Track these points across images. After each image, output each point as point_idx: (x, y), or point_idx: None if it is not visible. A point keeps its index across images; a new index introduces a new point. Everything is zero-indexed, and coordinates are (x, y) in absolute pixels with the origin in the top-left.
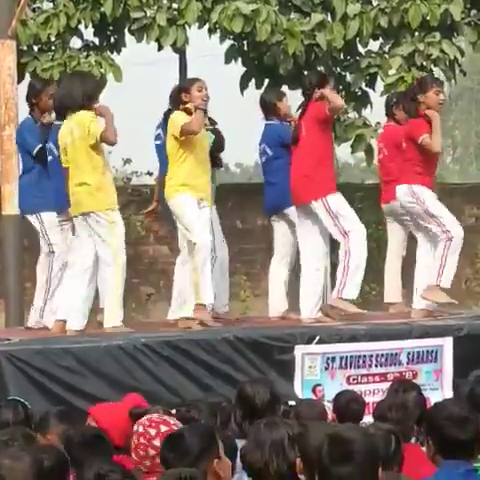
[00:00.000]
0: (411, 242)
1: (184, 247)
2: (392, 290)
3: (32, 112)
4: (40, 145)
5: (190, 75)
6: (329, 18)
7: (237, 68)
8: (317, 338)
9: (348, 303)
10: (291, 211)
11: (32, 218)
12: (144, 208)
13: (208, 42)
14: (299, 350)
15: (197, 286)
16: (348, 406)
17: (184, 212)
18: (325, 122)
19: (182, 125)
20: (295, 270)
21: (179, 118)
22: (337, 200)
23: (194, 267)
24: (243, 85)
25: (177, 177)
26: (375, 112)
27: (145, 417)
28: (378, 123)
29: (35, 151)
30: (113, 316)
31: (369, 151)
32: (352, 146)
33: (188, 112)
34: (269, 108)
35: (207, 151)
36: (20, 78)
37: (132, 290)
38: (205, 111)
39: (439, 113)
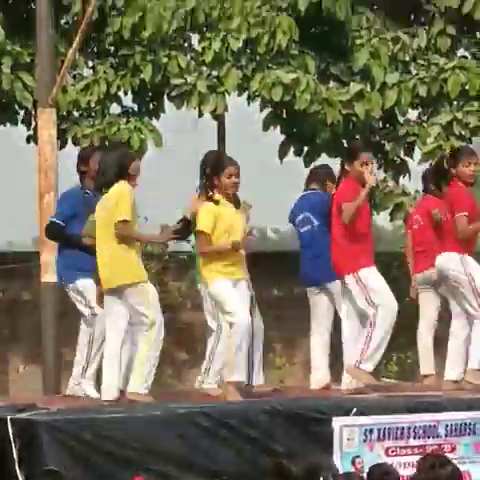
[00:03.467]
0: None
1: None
2: (426, 361)
3: (82, 181)
4: (53, 219)
5: (228, 140)
6: (368, 87)
7: (275, 134)
8: (354, 410)
9: (366, 374)
10: (334, 284)
11: (68, 289)
12: (182, 274)
13: (247, 107)
14: (337, 422)
15: (231, 365)
16: (382, 479)
17: (221, 297)
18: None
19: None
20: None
21: (201, 219)
22: (369, 273)
23: (229, 346)
24: (282, 153)
25: (212, 263)
26: (413, 180)
27: None
28: (417, 191)
29: (47, 223)
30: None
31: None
32: (391, 214)
33: (215, 202)
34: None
35: (241, 232)
36: (61, 144)
37: (168, 356)
38: (233, 195)
39: (471, 185)
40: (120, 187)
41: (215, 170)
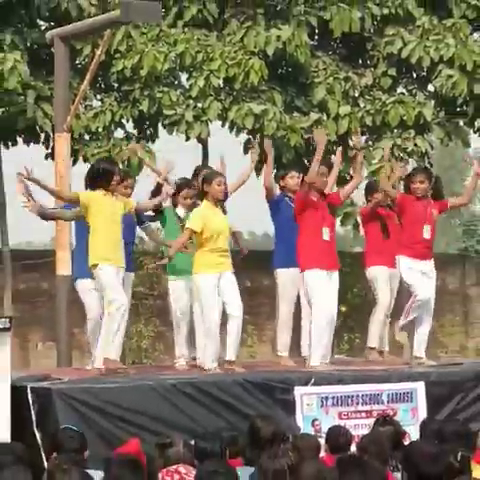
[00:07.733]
0: None
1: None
2: (373, 337)
3: None
4: None
5: (211, 161)
6: (324, 117)
7: None
8: (312, 381)
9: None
10: None
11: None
12: None
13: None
14: (298, 391)
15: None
16: (338, 439)
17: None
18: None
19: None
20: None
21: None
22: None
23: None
24: (258, 170)
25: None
26: (360, 194)
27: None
28: (364, 202)
29: None
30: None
31: (356, 226)
32: (341, 221)
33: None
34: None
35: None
36: (74, 161)
37: (161, 337)
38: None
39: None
40: None
41: (208, 177)
